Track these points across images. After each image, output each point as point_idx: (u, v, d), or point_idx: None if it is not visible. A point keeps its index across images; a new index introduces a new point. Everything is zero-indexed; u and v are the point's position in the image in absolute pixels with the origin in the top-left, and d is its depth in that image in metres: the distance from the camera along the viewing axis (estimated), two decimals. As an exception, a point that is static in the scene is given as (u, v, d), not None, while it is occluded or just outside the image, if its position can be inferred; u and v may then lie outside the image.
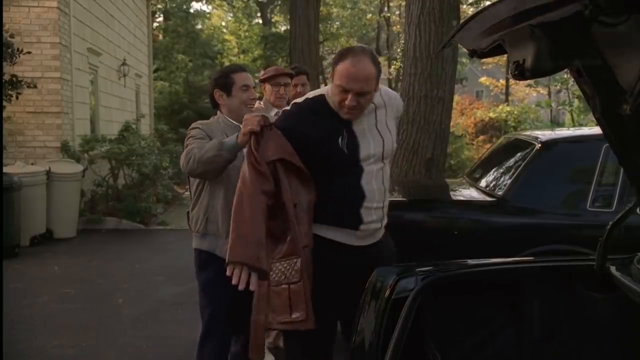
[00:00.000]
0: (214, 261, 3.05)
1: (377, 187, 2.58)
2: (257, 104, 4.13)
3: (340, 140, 2.53)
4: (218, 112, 3.20)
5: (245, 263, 2.26)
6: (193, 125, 3.13)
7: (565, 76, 16.00)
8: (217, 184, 3.02)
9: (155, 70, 19.27)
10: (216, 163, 2.78)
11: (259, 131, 2.46)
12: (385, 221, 2.70)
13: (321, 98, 2.60)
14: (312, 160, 2.51)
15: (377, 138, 2.59)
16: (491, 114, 18.98)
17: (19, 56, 7.84)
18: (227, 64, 23.57)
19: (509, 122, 18.03)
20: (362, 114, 2.56)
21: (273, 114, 4.24)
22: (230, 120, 3.13)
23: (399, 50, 20.86)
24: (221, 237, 3.00)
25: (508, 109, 19.54)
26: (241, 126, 2.86)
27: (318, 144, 2.52)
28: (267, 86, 4.17)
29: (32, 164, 8.42)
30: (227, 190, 3.01)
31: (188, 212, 3.23)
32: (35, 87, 8.33)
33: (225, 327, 3.21)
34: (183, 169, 2.91)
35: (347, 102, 2.46)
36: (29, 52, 8.32)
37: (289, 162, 2.46)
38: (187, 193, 14.78)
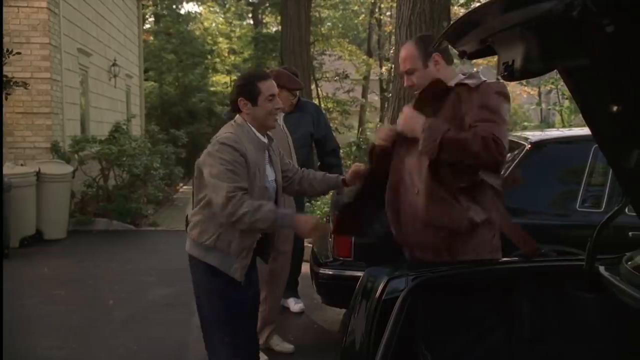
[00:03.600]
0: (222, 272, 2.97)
1: None
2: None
3: None
4: (239, 116, 3.04)
5: None
6: (224, 140, 2.89)
7: (556, 77, 16.07)
8: None
9: (146, 71, 19.20)
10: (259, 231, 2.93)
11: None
12: None
13: None
14: None
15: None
16: None
17: (9, 57, 7.80)
18: (218, 64, 23.54)
19: None
20: None
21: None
22: (254, 131, 3.01)
23: (390, 51, 20.89)
24: (229, 255, 2.92)
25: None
26: (264, 139, 3.02)
27: None
28: (283, 92, 4.17)
29: (21, 164, 8.37)
30: None
31: (187, 216, 3.08)
32: (26, 87, 8.29)
33: (254, 329, 3.18)
34: (219, 208, 2.78)
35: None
36: (19, 53, 8.28)
37: None
38: (178, 194, 14.73)
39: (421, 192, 2.79)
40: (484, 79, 2.81)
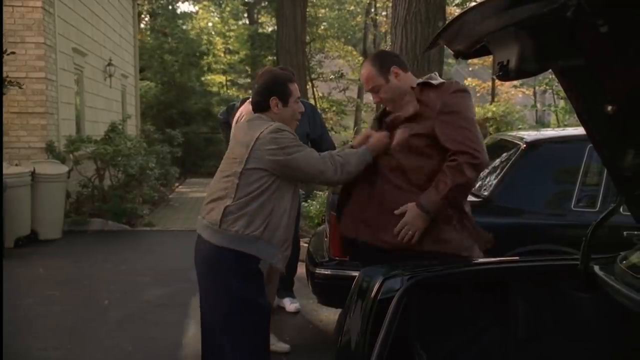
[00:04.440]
0: (254, 269, 2.97)
1: None
2: (249, 106, 4.12)
3: None
4: (265, 115, 3.09)
5: None
6: (283, 127, 3.02)
7: (550, 77, 16.12)
8: (287, 191, 3.01)
9: (142, 71, 19.17)
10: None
11: None
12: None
13: None
14: None
15: None
16: (476, 109, 19.16)
17: (3, 56, 7.76)
18: (213, 63, 23.52)
19: (493, 120, 18.18)
20: None
21: None
22: None
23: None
24: (273, 246, 2.96)
25: (494, 108, 19.70)
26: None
27: None
28: None
29: (16, 164, 8.33)
30: (293, 198, 3.06)
31: (227, 206, 2.94)
32: (20, 87, 8.26)
33: (267, 336, 3.17)
34: (326, 175, 2.97)
35: None
36: (14, 53, 8.25)
37: None
38: (174, 194, 14.71)
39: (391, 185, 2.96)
40: (441, 80, 2.96)
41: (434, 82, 2.93)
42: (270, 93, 3.09)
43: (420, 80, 3.00)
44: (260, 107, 3.12)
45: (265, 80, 3.23)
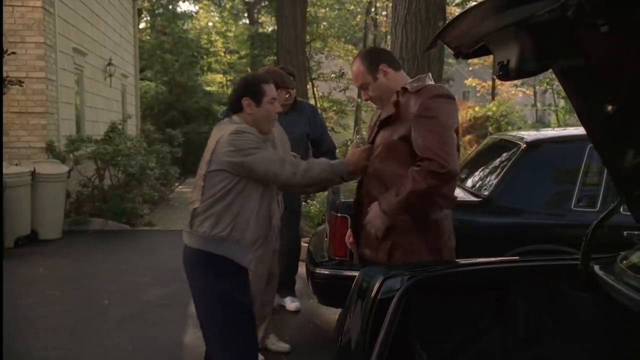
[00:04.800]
0: (232, 268, 2.97)
1: None
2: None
3: None
4: (238, 117, 3.09)
5: None
6: (244, 129, 2.97)
7: (551, 76, 16.13)
8: (255, 191, 2.97)
9: (142, 70, 19.16)
10: (323, 184, 3.12)
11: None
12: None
13: None
14: None
15: None
16: (477, 109, 19.25)
17: (4, 56, 7.76)
18: (214, 64, 23.54)
19: (494, 119, 18.22)
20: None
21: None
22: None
23: (386, 50, 20.92)
24: (242, 247, 2.95)
25: (494, 108, 19.76)
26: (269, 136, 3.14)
27: None
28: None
29: (16, 164, 8.33)
30: (262, 198, 3.01)
31: (195, 208, 2.99)
32: (21, 85, 8.25)
33: (255, 333, 3.17)
34: (281, 178, 2.95)
35: None
36: (14, 52, 8.25)
37: None
38: (174, 194, 14.70)
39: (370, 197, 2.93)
40: (428, 82, 2.86)
41: (410, 87, 2.83)
42: (242, 94, 3.07)
43: (410, 80, 2.92)
44: (233, 107, 3.12)
45: (239, 81, 3.26)
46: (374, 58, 2.97)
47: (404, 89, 2.85)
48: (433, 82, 2.90)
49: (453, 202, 2.87)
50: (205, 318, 3.07)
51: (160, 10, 23.80)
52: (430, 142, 2.67)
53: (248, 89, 3.08)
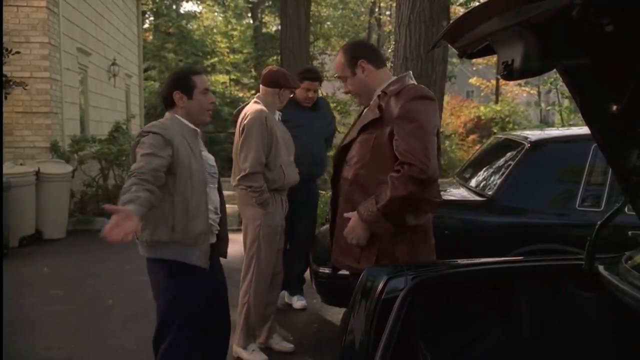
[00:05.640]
0: (182, 269, 2.97)
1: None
2: (254, 105, 4.12)
3: None
4: (170, 113, 3.07)
5: None
6: (150, 129, 2.91)
7: (555, 76, 16.09)
8: (179, 185, 2.91)
9: (146, 70, 19.19)
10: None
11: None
12: None
13: None
14: None
15: None
16: (482, 109, 19.25)
17: (8, 56, 7.79)
18: (217, 63, 23.54)
19: (497, 120, 18.20)
20: None
21: (277, 117, 4.25)
22: (186, 122, 3.06)
23: (389, 50, 20.91)
24: (187, 246, 2.93)
25: (498, 108, 19.72)
26: (198, 130, 3.07)
27: None
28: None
29: (20, 164, 8.36)
30: (193, 192, 2.95)
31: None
32: (24, 87, 8.28)
33: (197, 337, 3.15)
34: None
35: None
36: (18, 52, 8.27)
37: None
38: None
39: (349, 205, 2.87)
40: (408, 82, 2.82)
41: (389, 90, 2.79)
42: (172, 88, 3.04)
43: (384, 85, 2.85)
44: (166, 103, 3.10)
45: (168, 77, 3.24)
46: (354, 52, 2.92)
47: (384, 93, 2.80)
48: (413, 82, 2.85)
49: (438, 206, 2.84)
50: (159, 318, 3.17)
51: (164, 11, 23.81)
52: (411, 146, 2.63)
53: (177, 83, 3.05)
